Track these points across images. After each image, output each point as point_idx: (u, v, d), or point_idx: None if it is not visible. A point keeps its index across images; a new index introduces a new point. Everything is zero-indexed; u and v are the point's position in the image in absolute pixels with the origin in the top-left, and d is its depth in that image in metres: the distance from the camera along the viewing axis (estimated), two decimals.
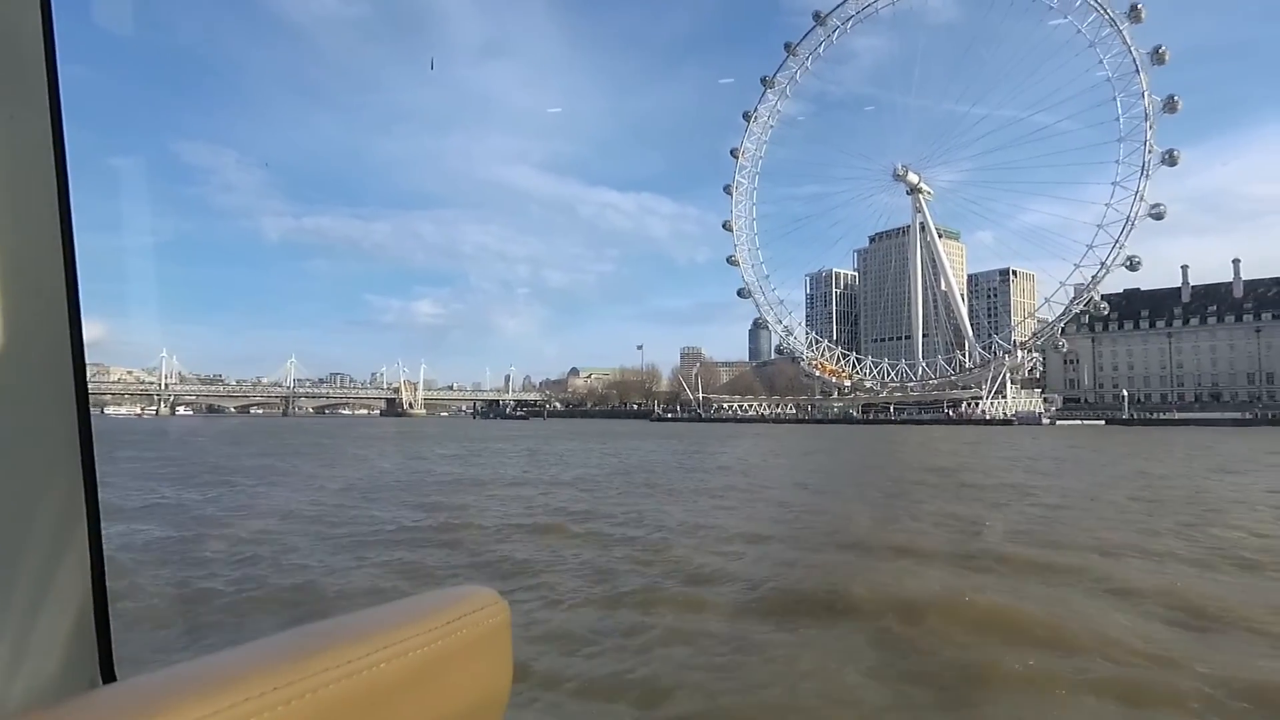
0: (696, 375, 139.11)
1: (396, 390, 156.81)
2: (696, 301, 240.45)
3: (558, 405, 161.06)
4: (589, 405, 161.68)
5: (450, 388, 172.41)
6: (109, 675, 1.10)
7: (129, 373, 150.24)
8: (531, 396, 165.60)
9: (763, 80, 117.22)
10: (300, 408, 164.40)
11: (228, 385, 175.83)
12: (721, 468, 25.95)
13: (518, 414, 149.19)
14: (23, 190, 0.91)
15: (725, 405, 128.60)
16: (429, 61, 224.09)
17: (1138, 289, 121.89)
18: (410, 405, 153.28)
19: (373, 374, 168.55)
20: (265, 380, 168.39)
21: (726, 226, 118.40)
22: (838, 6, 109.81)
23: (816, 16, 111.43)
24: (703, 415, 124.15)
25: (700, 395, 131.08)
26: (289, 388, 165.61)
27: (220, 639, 6.11)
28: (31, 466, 0.97)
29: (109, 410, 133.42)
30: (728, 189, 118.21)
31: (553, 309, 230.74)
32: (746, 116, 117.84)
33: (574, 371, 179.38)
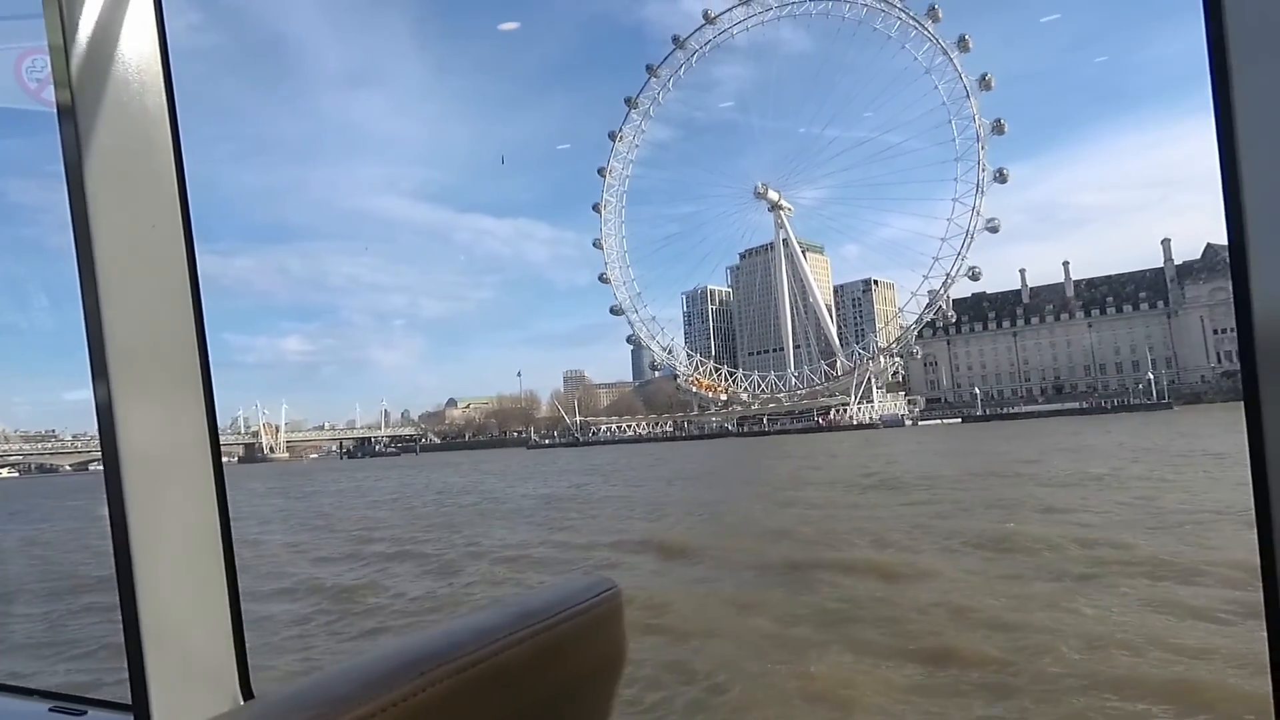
0: (575, 399, 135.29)
1: (255, 434, 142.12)
2: (579, 324, 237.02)
3: (434, 439, 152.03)
4: (467, 436, 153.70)
5: (322, 427, 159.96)
6: (248, 693, 1.18)
7: None
8: (408, 431, 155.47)
9: (627, 100, 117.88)
10: None
11: (62, 441, 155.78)
12: None
13: (390, 450, 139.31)
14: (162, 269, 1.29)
15: (604, 427, 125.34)
16: (289, 91, 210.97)
17: (984, 293, 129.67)
18: (271, 449, 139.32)
19: (232, 418, 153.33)
20: None
21: (597, 244, 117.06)
22: (695, 32, 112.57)
23: (676, 40, 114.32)
24: (580, 439, 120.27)
25: (579, 419, 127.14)
26: None
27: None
28: (178, 498, 1.14)
29: None
30: (596, 207, 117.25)
31: (431, 339, 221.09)
32: (612, 136, 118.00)
33: (451, 402, 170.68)
